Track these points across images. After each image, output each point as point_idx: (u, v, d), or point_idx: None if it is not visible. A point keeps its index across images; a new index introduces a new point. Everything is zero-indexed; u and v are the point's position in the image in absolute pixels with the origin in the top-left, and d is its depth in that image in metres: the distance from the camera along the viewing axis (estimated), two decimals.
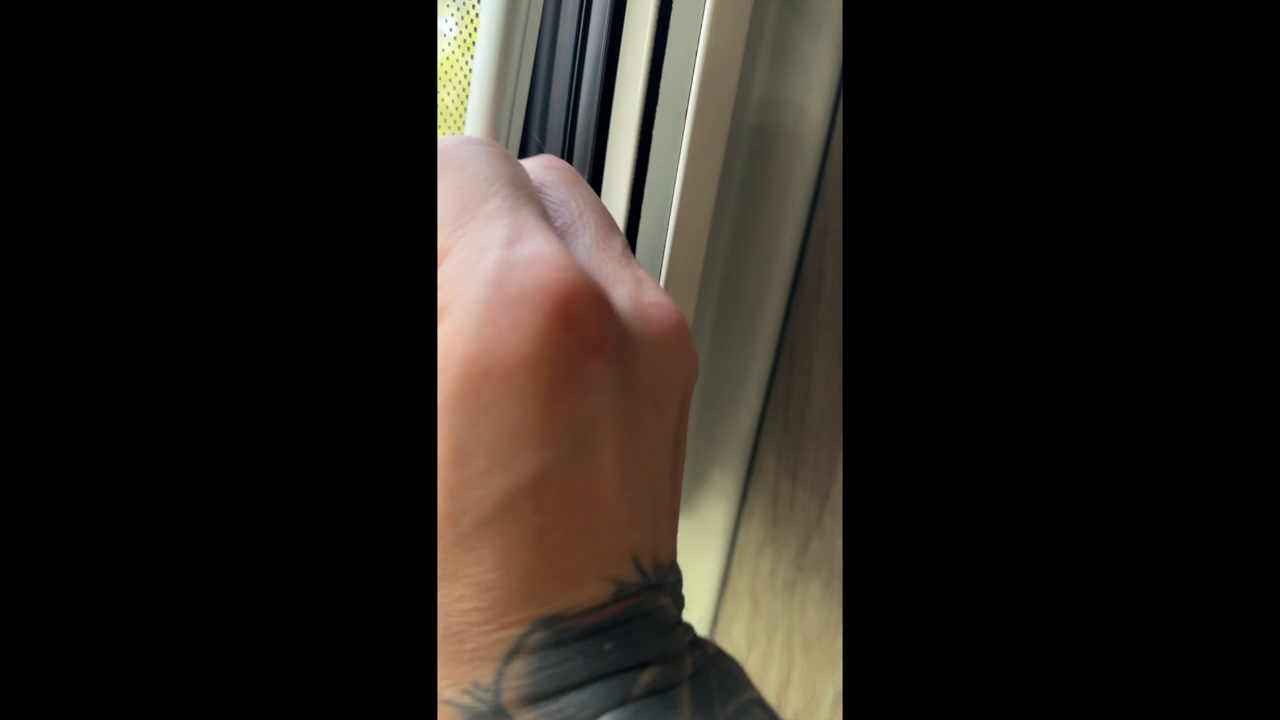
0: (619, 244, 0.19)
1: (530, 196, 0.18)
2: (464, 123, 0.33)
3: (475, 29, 0.31)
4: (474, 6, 0.33)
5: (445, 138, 0.18)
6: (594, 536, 0.16)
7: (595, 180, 0.30)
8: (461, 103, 0.34)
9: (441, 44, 0.34)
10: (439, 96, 0.35)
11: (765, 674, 0.48)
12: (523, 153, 0.31)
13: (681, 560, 0.51)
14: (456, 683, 0.16)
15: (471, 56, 0.30)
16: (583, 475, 0.16)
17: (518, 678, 0.16)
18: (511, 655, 0.16)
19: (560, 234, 0.18)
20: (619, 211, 0.30)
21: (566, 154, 0.31)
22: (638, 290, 0.17)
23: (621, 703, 0.16)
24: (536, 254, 0.16)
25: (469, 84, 0.32)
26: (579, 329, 0.15)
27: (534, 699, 0.16)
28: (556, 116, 0.30)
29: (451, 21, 0.34)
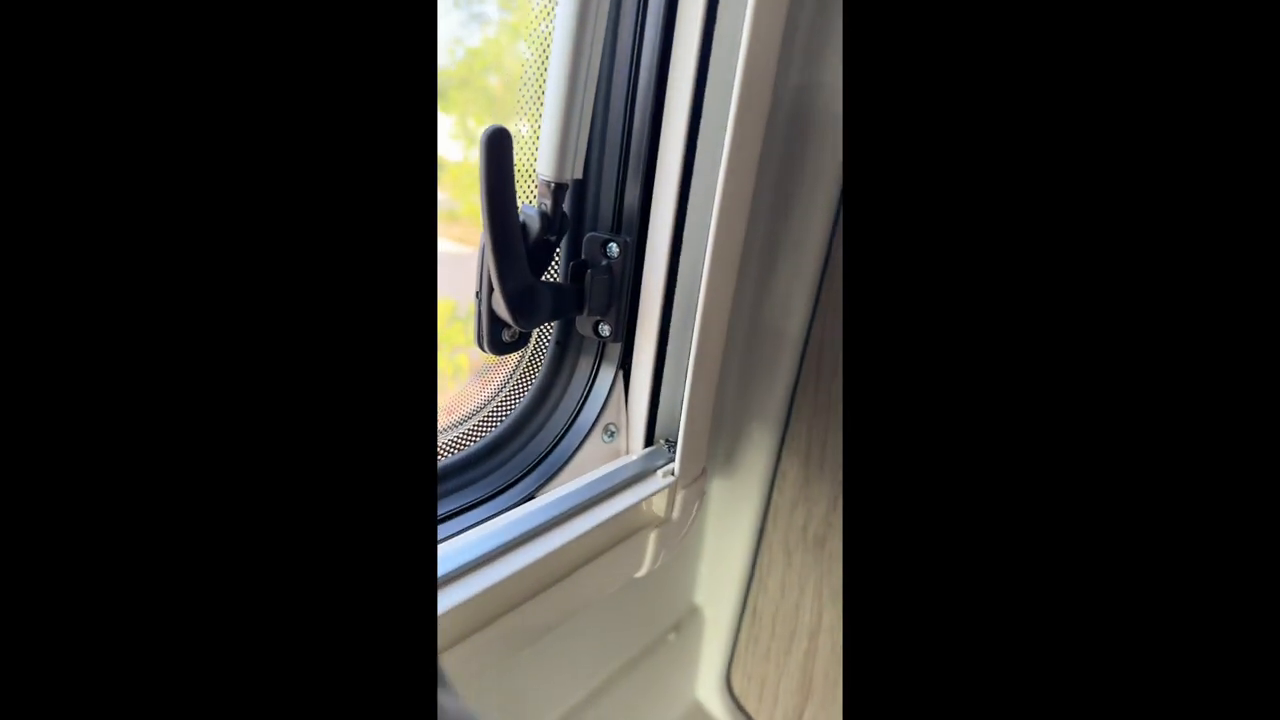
0: None
1: None
2: (514, 108, 0.35)
3: (529, 19, 0.33)
4: None
5: None
6: None
7: (649, 166, 0.32)
8: (511, 90, 0.35)
9: (487, 29, 0.35)
10: (483, 82, 0.36)
11: (798, 621, 0.51)
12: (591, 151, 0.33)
13: (721, 518, 0.53)
14: None
15: (522, 44, 0.31)
16: None
17: None
18: None
19: None
20: (669, 193, 0.32)
21: (624, 145, 0.33)
22: None
23: None
24: None
25: (521, 72, 0.34)
26: None
27: None
28: (617, 108, 0.33)
29: (493, 5, 0.35)
